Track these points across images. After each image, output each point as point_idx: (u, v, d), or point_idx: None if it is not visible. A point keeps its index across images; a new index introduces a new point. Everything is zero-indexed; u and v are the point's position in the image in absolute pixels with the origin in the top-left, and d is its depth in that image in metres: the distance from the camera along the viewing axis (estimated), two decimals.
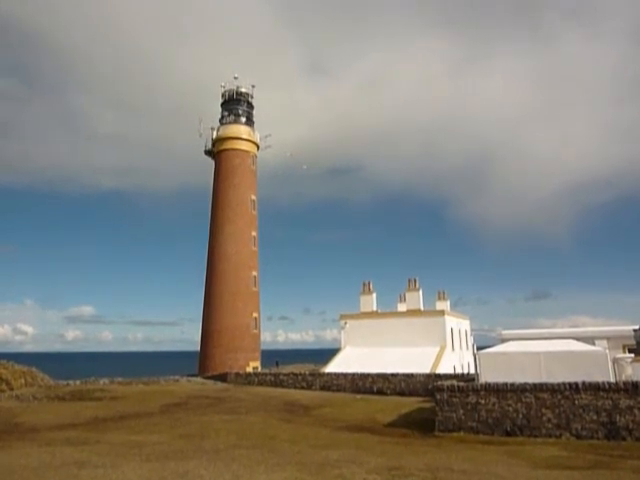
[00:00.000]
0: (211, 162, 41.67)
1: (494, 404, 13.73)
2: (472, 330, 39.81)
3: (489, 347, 17.36)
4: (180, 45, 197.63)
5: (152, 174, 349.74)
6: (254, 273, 38.93)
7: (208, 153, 41.73)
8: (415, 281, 35.42)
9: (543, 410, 13.23)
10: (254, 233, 39.74)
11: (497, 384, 13.87)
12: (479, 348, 17.09)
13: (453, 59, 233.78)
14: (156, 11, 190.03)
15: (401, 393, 24.05)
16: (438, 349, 31.24)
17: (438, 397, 14.41)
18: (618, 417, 12.54)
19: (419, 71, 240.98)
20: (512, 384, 13.70)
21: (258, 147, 41.75)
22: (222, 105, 41.99)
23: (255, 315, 38.21)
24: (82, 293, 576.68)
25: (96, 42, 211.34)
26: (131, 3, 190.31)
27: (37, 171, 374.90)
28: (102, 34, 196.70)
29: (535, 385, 13.46)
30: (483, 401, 13.85)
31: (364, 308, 35.94)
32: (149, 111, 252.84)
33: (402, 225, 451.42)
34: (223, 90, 41.87)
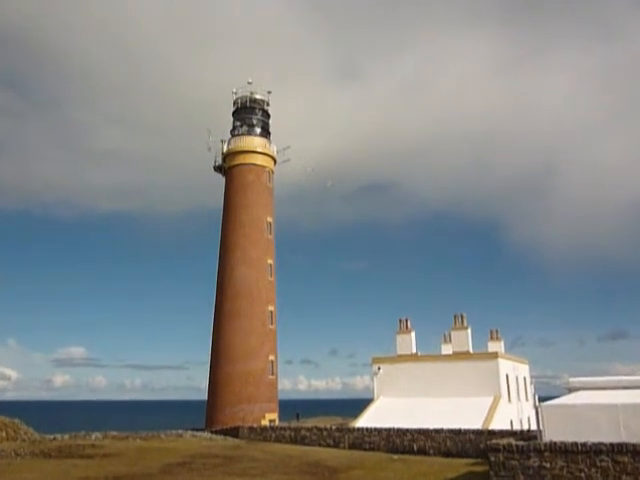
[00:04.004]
0: (221, 179, 42.46)
1: (562, 468, 13.38)
2: (533, 377, 39.00)
3: (554, 398, 16.99)
4: (189, 51, 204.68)
5: (155, 194, 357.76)
6: (271, 308, 39.02)
7: (218, 169, 42.57)
8: (462, 318, 34.94)
9: (624, 477, 12.83)
10: (270, 261, 40.00)
11: (565, 444, 13.53)
12: (542, 399, 16.77)
13: (504, 57, 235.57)
14: (162, 13, 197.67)
15: (447, 453, 23.61)
16: (491, 400, 30.59)
17: (493, 459, 14.13)
18: None
19: (464, 71, 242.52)
20: (584, 444, 13.34)
21: (275, 161, 42.42)
22: (234, 114, 42.96)
23: (272, 358, 38.13)
24: (73, 332, 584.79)
25: (96, 50, 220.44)
26: (134, 6, 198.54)
27: (30, 194, 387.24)
28: (103, 42, 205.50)
29: (613, 446, 13.07)
30: (548, 465, 13.53)
31: (401, 350, 35.53)
32: (153, 124, 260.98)
33: (446, 251, 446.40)
34: (235, 97, 42.87)
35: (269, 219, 40.83)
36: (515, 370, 35.20)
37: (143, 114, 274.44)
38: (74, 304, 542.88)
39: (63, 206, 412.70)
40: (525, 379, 37.37)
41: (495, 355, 33.12)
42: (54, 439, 25.61)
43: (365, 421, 30.91)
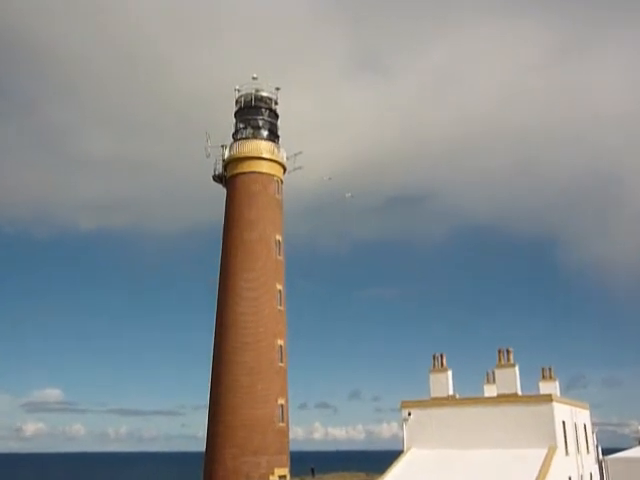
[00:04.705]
0: (222, 191, 42.66)
1: None
2: (595, 425, 38.10)
3: (622, 450, 16.62)
4: (186, 45, 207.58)
5: (146, 209, 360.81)
6: (280, 342, 38.87)
7: (218, 179, 42.86)
8: (509, 353, 34.51)
9: None
10: (280, 286, 39.94)
11: None
12: (607, 451, 16.38)
13: (555, 46, 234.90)
14: (158, 4, 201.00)
15: None
16: (545, 452, 30.06)
17: None
18: None
19: (507, 63, 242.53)
20: None
21: (285, 169, 42.63)
22: (236, 115, 43.37)
23: (282, 402, 37.90)
24: (47, 372, 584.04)
25: (87, 46, 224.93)
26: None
27: (2, 209, 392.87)
28: (94, 37, 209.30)
29: None
30: None
31: (435, 392, 35.11)
32: (146, 127, 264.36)
33: (490, 274, 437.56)
34: (238, 95, 43.24)
35: (278, 237, 40.86)
36: (574, 416, 34.61)
37: (135, 116, 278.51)
38: (48, 339, 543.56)
39: (40, 223, 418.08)
40: (586, 427, 36.64)
41: (549, 398, 32.58)
42: None
43: (393, 477, 30.56)
